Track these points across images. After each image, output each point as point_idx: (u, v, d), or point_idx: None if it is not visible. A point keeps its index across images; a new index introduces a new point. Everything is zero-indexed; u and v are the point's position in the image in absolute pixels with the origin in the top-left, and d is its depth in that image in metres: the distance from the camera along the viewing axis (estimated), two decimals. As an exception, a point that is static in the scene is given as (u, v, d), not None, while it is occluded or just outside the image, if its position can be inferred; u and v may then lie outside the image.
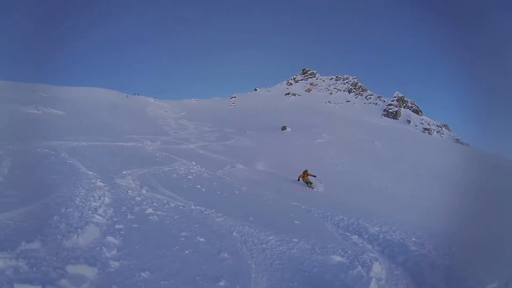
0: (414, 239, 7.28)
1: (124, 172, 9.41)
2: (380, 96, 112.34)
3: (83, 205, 5.42)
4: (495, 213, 15.41)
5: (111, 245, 4.31)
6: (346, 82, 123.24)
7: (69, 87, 54.22)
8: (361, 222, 8.54)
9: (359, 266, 5.07)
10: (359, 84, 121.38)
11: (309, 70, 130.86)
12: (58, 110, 26.09)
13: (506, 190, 22.09)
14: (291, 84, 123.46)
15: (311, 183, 15.74)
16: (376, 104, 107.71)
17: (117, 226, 5.01)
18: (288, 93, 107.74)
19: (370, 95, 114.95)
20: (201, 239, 5.38)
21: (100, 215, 5.15)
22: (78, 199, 5.68)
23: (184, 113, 57.67)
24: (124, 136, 20.84)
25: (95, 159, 10.83)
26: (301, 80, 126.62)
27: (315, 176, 16.17)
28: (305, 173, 16.13)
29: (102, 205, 5.66)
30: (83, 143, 13.87)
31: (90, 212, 5.16)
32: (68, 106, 30.05)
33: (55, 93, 40.07)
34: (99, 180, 7.50)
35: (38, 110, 23.15)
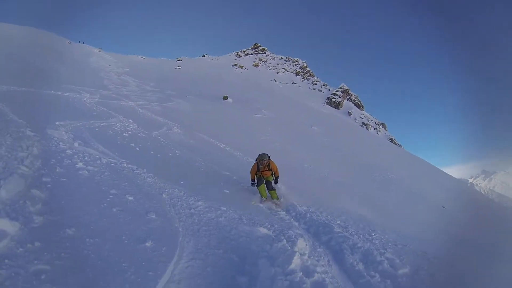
0: (338, 222, 7.65)
1: (57, 123, 8.78)
2: (326, 84, 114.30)
3: (9, 155, 4.87)
4: (414, 204, 16.87)
5: (36, 198, 3.96)
6: (295, 65, 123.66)
7: (6, 23, 48.76)
8: (290, 200, 8.82)
9: (284, 240, 5.28)
10: (307, 68, 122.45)
11: (260, 46, 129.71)
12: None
13: (428, 186, 24.30)
14: (240, 56, 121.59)
15: (273, 189, 8.84)
16: (321, 91, 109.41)
17: (44, 179, 4.60)
18: (236, 65, 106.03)
19: (316, 81, 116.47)
20: (130, 198, 5.24)
21: (26, 166, 4.69)
22: (3, 148, 5.10)
23: (127, 69, 54.63)
24: (61, 85, 19.34)
25: (26, 106, 9.99)
26: (251, 54, 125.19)
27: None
28: (263, 165, 8.94)
29: (30, 155, 5.15)
30: (14, 87, 12.66)
31: (15, 162, 4.68)
32: (1, 45, 27.20)
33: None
34: (29, 129, 6.81)
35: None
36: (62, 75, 25.73)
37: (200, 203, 6.31)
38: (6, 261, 2.83)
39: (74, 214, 4.05)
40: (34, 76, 19.73)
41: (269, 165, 8.99)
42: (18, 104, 9.64)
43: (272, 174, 9.13)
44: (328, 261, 5.19)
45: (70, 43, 62.52)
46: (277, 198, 8.85)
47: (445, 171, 48.42)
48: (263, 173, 9.00)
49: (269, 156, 9.19)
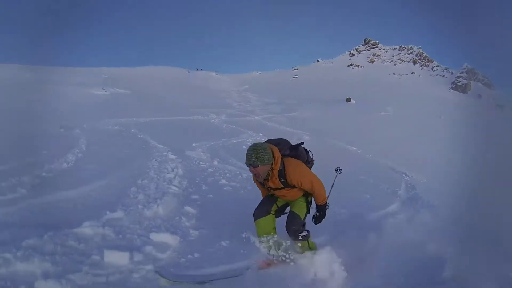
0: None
1: (193, 144, 9.65)
2: (447, 68, 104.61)
3: (158, 177, 5.66)
4: None
5: (190, 214, 4.42)
6: (411, 53, 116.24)
7: (131, 67, 57.09)
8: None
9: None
10: (424, 54, 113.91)
11: (371, 40, 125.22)
12: (124, 89, 27.30)
13: None
14: (353, 55, 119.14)
15: (302, 237, 3.48)
16: (444, 76, 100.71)
17: (193, 197, 5.14)
18: (351, 64, 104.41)
19: (436, 66, 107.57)
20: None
21: (176, 186, 5.32)
22: (152, 171, 5.93)
23: (246, 86, 58.09)
24: (188, 110, 21.33)
25: (163, 133, 11.23)
26: (364, 50, 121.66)
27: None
28: (258, 174, 3.44)
29: (177, 176, 5.87)
30: (151, 118, 14.41)
31: (165, 183, 5.37)
32: (133, 85, 31.39)
33: (119, 74, 42.11)
34: (170, 152, 7.79)
35: (105, 91, 24.38)
36: (187, 101, 28.42)
37: (343, 210, 6.06)
38: (172, 269, 3.11)
39: (225, 228, 4.26)
40: (164, 105, 22.23)
41: (282, 172, 3.51)
42: (156, 132, 10.92)
43: (305, 197, 3.80)
44: None
45: (189, 72, 69.08)
46: (314, 249, 3.69)
47: None
48: (278, 194, 3.74)
49: (301, 146, 3.97)
